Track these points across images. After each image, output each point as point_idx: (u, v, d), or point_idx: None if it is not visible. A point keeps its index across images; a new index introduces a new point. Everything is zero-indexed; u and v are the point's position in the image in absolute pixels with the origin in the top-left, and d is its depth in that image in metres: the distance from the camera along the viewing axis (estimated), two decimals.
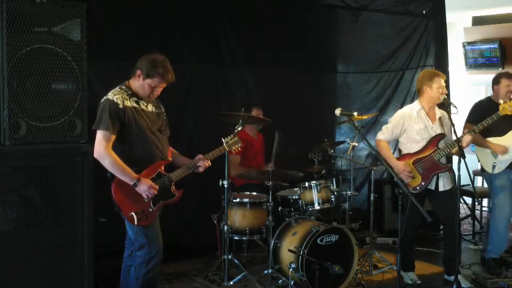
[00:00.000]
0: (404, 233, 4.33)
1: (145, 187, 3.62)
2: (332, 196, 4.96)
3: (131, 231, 3.71)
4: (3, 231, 3.07)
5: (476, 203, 6.81)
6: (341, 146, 6.31)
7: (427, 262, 5.39)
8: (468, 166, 4.17)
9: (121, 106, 3.62)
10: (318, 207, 4.91)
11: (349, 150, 5.37)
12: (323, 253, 4.35)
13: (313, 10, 6.38)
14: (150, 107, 3.83)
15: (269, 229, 4.69)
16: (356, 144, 5.36)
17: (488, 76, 6.33)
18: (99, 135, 3.58)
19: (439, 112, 4.82)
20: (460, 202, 5.54)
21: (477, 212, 6.88)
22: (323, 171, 5.39)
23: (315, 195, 4.90)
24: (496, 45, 7.80)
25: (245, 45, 5.94)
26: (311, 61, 6.40)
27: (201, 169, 3.93)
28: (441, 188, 4.74)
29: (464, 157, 4.19)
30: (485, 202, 7.04)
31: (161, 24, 5.41)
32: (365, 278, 4.80)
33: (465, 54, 8.23)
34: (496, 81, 5.28)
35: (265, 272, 4.72)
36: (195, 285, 4.85)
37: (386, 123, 5.02)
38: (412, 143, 4.76)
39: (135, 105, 3.72)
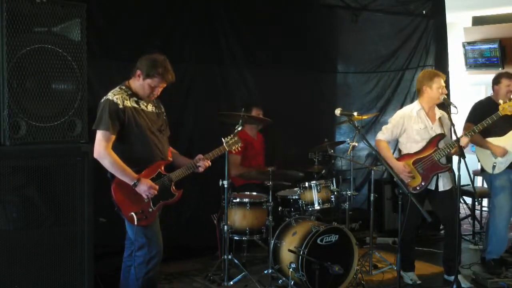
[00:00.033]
0: (404, 233, 4.33)
1: (145, 187, 3.62)
2: (332, 196, 4.96)
3: (131, 231, 3.71)
4: (3, 231, 3.07)
5: (476, 203, 6.80)
6: (341, 146, 6.31)
7: (427, 262, 5.39)
8: (468, 166, 4.17)
9: (121, 106, 3.61)
10: (318, 207, 4.91)
11: (349, 150, 5.37)
12: (323, 253, 4.35)
13: (313, 10, 6.38)
14: (150, 107, 3.83)
15: (269, 229, 4.69)
16: (356, 144, 5.36)
17: (488, 76, 6.33)
18: (99, 135, 3.58)
19: (439, 113, 4.82)
20: (460, 202, 5.55)
21: (477, 212, 6.88)
22: (323, 171, 5.39)
23: (315, 195, 4.90)
24: (496, 45, 7.80)
25: (245, 45, 5.93)
26: (311, 61, 6.39)
27: (201, 169, 3.93)
28: (441, 188, 4.74)
29: (464, 157, 4.19)
30: (485, 202, 7.04)
31: (161, 24, 5.41)
32: (365, 278, 4.80)
33: (465, 54, 8.22)
34: (496, 81, 5.27)
35: (265, 272, 4.72)
36: (195, 285, 4.85)
37: (386, 123, 5.02)
38: (412, 143, 4.76)
39: (135, 105, 3.72)
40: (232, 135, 4.16)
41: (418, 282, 4.82)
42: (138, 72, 3.70)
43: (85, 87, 3.31)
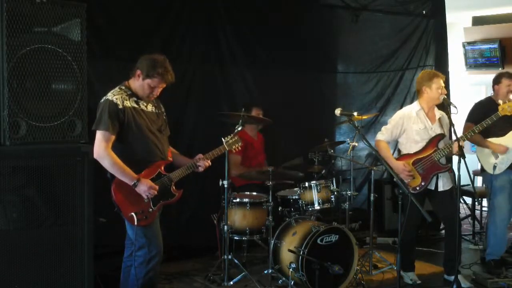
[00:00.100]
0: (404, 233, 4.33)
1: (145, 187, 3.62)
2: (332, 196, 4.96)
3: (131, 232, 3.71)
4: (3, 231, 3.07)
5: (476, 203, 6.80)
6: (341, 146, 6.31)
7: (427, 262, 5.39)
8: (468, 166, 4.16)
9: (120, 106, 3.62)
10: (318, 207, 4.91)
11: (349, 150, 5.37)
12: (323, 253, 4.35)
13: (313, 10, 6.38)
14: (150, 107, 3.83)
15: (269, 229, 4.69)
16: (356, 144, 5.36)
17: (488, 76, 6.33)
18: (99, 135, 3.58)
19: (438, 113, 4.82)
20: (460, 202, 5.54)
21: (477, 212, 6.88)
22: (323, 171, 5.39)
23: (315, 195, 4.90)
24: (496, 45, 7.80)
25: (245, 45, 5.93)
26: (311, 61, 6.39)
27: (201, 169, 3.93)
28: (440, 188, 4.74)
29: (464, 157, 4.19)
30: (485, 202, 7.03)
31: (161, 24, 5.41)
32: (365, 278, 4.80)
33: (465, 54, 8.22)
34: (497, 81, 5.28)
35: (265, 272, 4.72)
36: (195, 285, 4.85)
37: (386, 123, 5.02)
38: (412, 144, 4.76)
39: (135, 105, 3.72)
40: (232, 135, 4.17)
41: (418, 282, 4.82)
42: (138, 72, 3.70)
43: (85, 87, 3.31)
